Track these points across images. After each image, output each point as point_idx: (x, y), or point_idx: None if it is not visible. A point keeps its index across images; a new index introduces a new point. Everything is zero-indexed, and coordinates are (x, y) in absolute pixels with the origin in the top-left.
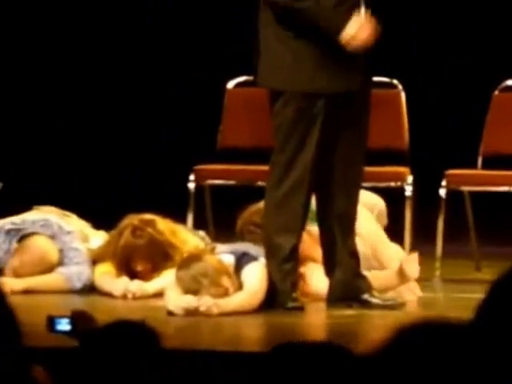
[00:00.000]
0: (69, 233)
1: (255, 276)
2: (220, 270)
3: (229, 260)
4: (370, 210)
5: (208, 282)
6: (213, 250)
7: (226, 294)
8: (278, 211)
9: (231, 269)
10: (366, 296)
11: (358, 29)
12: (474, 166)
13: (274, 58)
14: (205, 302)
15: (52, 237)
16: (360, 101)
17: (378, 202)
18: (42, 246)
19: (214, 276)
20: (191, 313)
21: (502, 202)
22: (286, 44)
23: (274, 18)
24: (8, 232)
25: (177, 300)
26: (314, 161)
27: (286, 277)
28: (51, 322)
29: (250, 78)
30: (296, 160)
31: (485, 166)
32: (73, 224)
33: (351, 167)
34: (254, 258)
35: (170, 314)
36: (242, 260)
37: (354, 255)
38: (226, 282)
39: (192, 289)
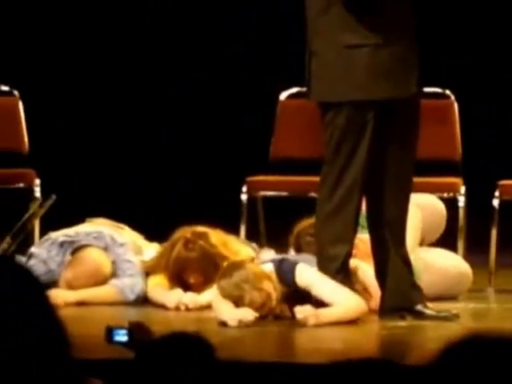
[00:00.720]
0: (122, 245)
1: (342, 288)
2: (260, 275)
3: (269, 267)
4: (423, 207)
5: (249, 287)
6: (252, 260)
7: (269, 298)
8: (330, 221)
9: (273, 275)
10: (419, 307)
11: None
12: None
13: (326, 69)
14: (303, 311)
15: (105, 249)
16: (410, 110)
17: (436, 204)
18: (95, 258)
19: (255, 281)
20: (246, 324)
21: None
22: (338, 53)
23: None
24: (61, 244)
25: (231, 312)
26: (365, 170)
27: None
28: (110, 332)
29: (303, 89)
30: (347, 170)
31: None
32: (126, 236)
33: (401, 176)
34: (294, 263)
35: (223, 324)
36: (282, 266)
37: (407, 264)
38: (267, 286)
39: (234, 296)
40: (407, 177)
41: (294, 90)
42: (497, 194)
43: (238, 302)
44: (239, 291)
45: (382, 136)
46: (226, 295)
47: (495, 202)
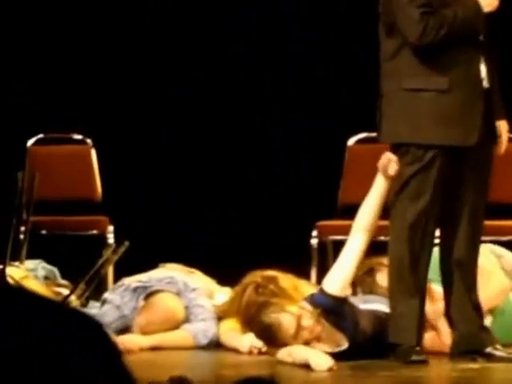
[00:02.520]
0: (194, 290)
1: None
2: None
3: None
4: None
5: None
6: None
7: (314, 336)
8: (403, 276)
9: (315, 312)
10: (489, 349)
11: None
12: None
13: (393, 111)
14: None
15: (178, 294)
16: (481, 157)
17: None
18: (168, 304)
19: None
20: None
21: None
22: (404, 96)
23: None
24: (135, 290)
25: (241, 339)
26: (430, 211)
27: None
28: None
29: (371, 134)
30: (412, 206)
31: None
32: (198, 281)
33: (474, 219)
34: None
35: (301, 367)
36: (313, 298)
37: (478, 308)
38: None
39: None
40: (479, 220)
41: (362, 135)
42: None
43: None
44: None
45: (454, 179)
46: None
47: None
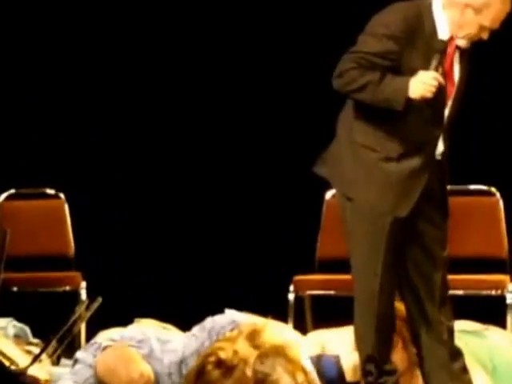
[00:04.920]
0: (168, 342)
1: None
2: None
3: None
4: None
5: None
6: None
7: None
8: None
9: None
10: None
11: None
12: None
13: (347, 166)
14: None
15: (148, 356)
16: (435, 213)
17: None
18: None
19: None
20: None
21: None
22: (355, 149)
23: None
24: (105, 349)
25: None
26: (387, 271)
27: None
28: None
29: None
30: (366, 269)
31: None
32: (173, 337)
33: (429, 279)
34: (334, 357)
35: None
36: (320, 361)
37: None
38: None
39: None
40: (437, 279)
41: None
42: None
43: None
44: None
45: (402, 240)
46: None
47: None
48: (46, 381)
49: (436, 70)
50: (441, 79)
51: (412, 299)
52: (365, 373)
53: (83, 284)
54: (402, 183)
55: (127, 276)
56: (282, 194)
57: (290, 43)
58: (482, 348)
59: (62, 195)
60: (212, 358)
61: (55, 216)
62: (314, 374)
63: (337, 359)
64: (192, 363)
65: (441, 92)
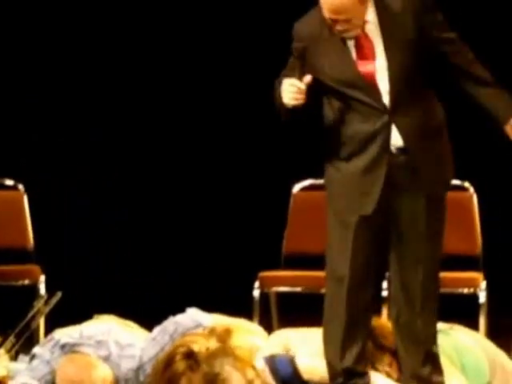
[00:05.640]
0: (128, 346)
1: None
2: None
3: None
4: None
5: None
6: None
7: None
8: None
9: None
10: None
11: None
12: None
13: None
14: None
15: (106, 357)
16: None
17: None
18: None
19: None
20: None
21: None
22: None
23: None
24: (63, 346)
25: None
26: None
27: None
28: None
29: (316, 181)
30: (336, 269)
31: None
32: (133, 334)
33: (408, 284)
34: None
35: None
36: (274, 361)
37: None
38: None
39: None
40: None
41: (307, 182)
42: None
43: None
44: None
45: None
46: None
47: None
48: (4, 377)
49: (299, 75)
50: (299, 84)
51: (391, 304)
52: (332, 375)
53: (42, 278)
54: (358, 182)
55: (87, 270)
56: (249, 187)
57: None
58: (450, 347)
59: (20, 186)
60: (182, 349)
61: (14, 207)
62: (266, 373)
63: (291, 359)
64: (149, 370)
65: (364, 83)
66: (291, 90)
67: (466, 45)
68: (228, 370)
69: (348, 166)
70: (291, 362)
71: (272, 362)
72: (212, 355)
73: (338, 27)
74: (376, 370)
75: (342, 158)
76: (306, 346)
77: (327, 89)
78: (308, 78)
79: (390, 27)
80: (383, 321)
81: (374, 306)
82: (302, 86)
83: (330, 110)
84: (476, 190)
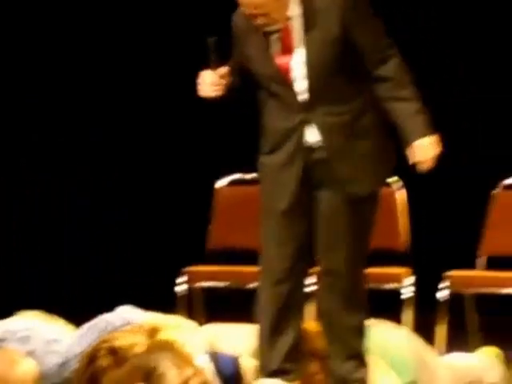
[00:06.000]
0: (54, 341)
1: None
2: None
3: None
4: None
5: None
6: None
7: None
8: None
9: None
10: None
11: None
12: (471, 267)
13: None
14: None
15: (31, 353)
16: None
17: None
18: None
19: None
20: None
21: (506, 304)
22: None
23: None
24: None
25: None
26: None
27: None
28: None
29: (240, 176)
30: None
31: (486, 267)
32: (59, 330)
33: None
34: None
35: None
36: (216, 359)
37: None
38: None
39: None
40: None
41: (231, 177)
42: (444, 285)
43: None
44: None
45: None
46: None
47: (442, 294)
48: None
49: (213, 66)
50: (208, 76)
51: (318, 300)
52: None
53: None
54: (276, 177)
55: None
56: (173, 182)
57: None
58: (377, 343)
59: None
60: (107, 345)
61: None
62: (208, 371)
63: (235, 358)
64: (74, 366)
65: (282, 78)
66: (206, 83)
67: (396, 50)
68: (165, 365)
69: (270, 160)
70: (235, 361)
71: (215, 360)
72: (148, 350)
73: (258, 21)
74: (304, 374)
75: (265, 152)
76: (234, 342)
77: (256, 81)
78: (222, 69)
79: (312, 23)
80: (312, 324)
81: (302, 302)
82: (215, 77)
83: (260, 102)
84: (406, 186)
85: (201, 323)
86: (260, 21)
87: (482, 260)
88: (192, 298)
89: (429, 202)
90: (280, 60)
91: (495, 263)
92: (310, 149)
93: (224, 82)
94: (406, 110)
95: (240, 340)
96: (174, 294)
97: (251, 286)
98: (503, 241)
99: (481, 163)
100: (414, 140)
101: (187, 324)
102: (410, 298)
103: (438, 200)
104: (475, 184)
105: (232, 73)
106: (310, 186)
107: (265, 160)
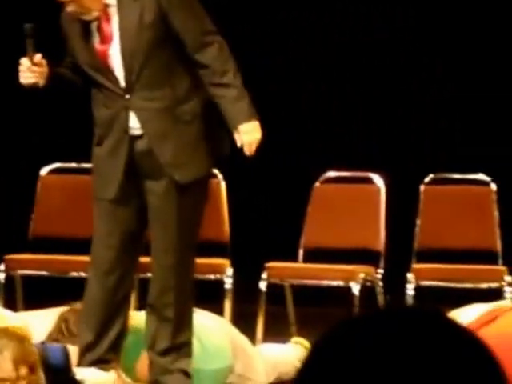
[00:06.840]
0: None
1: None
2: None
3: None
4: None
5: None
6: None
7: None
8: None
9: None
10: None
11: None
12: (293, 259)
13: None
14: None
15: None
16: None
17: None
18: None
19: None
20: None
21: (323, 295)
22: None
23: None
24: None
25: None
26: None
27: None
28: None
29: (65, 164)
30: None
31: (305, 260)
32: None
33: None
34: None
35: None
36: (45, 348)
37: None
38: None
39: None
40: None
41: (56, 165)
42: (264, 276)
43: None
44: None
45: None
46: None
47: (262, 285)
48: None
49: (29, 53)
50: (25, 62)
51: (149, 288)
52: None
53: None
54: (103, 166)
55: None
56: None
57: None
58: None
59: None
60: None
61: None
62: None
63: (63, 347)
64: None
65: (101, 66)
66: (23, 69)
67: (219, 38)
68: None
69: (99, 151)
70: (63, 350)
71: (43, 349)
72: None
73: (68, 8)
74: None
75: (95, 143)
76: (44, 328)
77: (83, 72)
78: (37, 56)
79: (128, 10)
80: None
81: (130, 292)
82: (29, 64)
83: (91, 94)
84: (229, 179)
85: (19, 311)
86: (70, 8)
87: (301, 252)
88: (11, 286)
89: (253, 194)
90: (100, 48)
91: (318, 255)
92: (135, 137)
93: (40, 69)
94: (227, 96)
95: (43, 325)
96: None
97: (73, 274)
98: (321, 234)
99: (302, 155)
100: (238, 124)
101: (5, 313)
102: (229, 289)
103: (264, 192)
104: (299, 176)
105: (67, 67)
106: (138, 176)
107: (95, 150)
